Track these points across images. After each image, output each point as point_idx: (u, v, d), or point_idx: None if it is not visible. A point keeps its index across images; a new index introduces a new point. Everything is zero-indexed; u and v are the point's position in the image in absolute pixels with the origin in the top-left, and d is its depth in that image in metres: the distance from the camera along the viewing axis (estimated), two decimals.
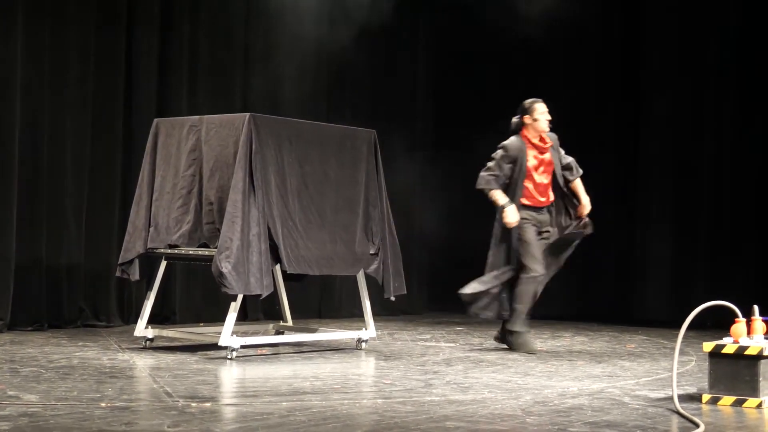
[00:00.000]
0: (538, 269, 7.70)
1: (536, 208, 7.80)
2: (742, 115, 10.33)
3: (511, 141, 7.82)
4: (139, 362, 6.67)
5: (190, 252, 7.20)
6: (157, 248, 7.33)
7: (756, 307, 5.65)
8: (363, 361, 7.19)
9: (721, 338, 5.66)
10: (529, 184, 7.74)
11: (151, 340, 7.46)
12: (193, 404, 5.07)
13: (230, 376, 6.33)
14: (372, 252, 7.70)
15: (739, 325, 5.56)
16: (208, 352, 7.19)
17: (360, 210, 7.67)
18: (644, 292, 10.71)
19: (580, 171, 8.03)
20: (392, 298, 7.87)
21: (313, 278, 8.77)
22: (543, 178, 7.82)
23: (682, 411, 5.15)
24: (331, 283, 10.39)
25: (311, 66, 10.53)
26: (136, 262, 7.38)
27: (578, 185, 8.00)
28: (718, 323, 8.08)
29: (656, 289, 10.65)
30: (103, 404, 4.99)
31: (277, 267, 7.37)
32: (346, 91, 10.91)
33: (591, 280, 10.91)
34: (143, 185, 7.47)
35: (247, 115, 7.05)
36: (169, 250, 7.30)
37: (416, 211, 11.32)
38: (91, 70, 8.90)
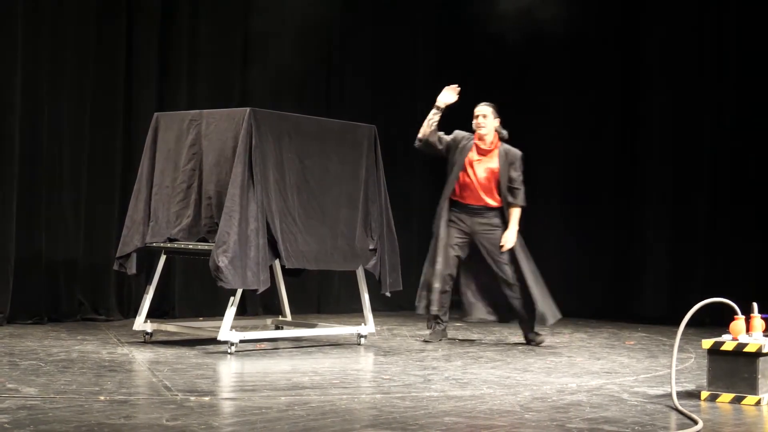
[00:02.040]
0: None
1: (462, 206, 7.95)
2: (741, 111, 10.33)
3: (464, 132, 8.04)
4: (138, 356, 6.67)
5: (189, 246, 7.19)
6: (156, 242, 7.32)
7: (755, 305, 5.65)
8: (362, 357, 7.19)
9: (720, 335, 5.67)
10: (459, 180, 7.94)
11: (150, 334, 7.46)
12: (192, 398, 5.08)
13: (229, 370, 6.33)
14: (371, 248, 7.70)
15: (738, 323, 5.56)
16: (207, 347, 7.20)
17: (360, 205, 7.67)
18: (643, 288, 10.72)
19: (521, 202, 7.97)
20: (388, 294, 7.87)
21: (313, 274, 8.78)
22: (474, 180, 7.90)
23: (680, 408, 5.15)
24: (331, 279, 10.39)
25: (310, 60, 10.52)
26: (134, 256, 7.37)
27: (513, 214, 7.96)
28: (717, 320, 8.09)
29: (655, 286, 10.66)
30: (102, 398, 4.99)
31: (277, 262, 7.37)
32: (346, 87, 10.91)
33: (590, 276, 10.91)
34: (142, 179, 7.46)
35: (247, 109, 7.04)
36: (168, 245, 7.30)
37: (415, 207, 11.31)
38: (91, 64, 8.90)
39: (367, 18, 11.08)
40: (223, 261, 6.74)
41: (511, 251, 7.91)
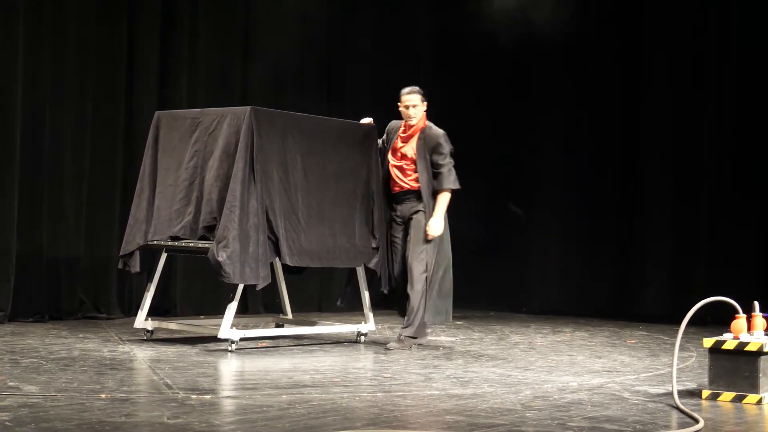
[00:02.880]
0: None
1: (392, 196, 7.70)
2: (743, 111, 10.31)
3: (396, 122, 7.81)
4: (139, 354, 6.68)
5: (191, 244, 7.20)
6: (158, 240, 7.33)
7: (756, 303, 5.65)
8: (363, 355, 7.19)
9: (721, 334, 5.67)
10: (387, 171, 7.69)
11: (152, 332, 7.46)
12: (193, 396, 5.08)
13: (230, 368, 6.33)
14: (374, 246, 7.69)
15: (740, 321, 5.56)
16: (209, 345, 7.20)
17: (360, 204, 7.66)
18: (644, 287, 10.71)
19: (445, 186, 7.50)
20: (386, 291, 7.85)
21: (313, 271, 8.77)
22: (395, 164, 7.65)
23: (681, 407, 5.15)
24: (332, 277, 10.39)
25: (310, 59, 10.52)
26: (137, 254, 7.38)
27: (439, 200, 7.51)
28: (718, 319, 8.08)
29: (656, 285, 10.66)
30: (103, 396, 5.00)
31: (277, 260, 7.36)
32: (346, 86, 10.90)
33: (591, 275, 10.91)
34: (144, 178, 7.47)
35: (249, 108, 7.05)
36: (170, 242, 7.30)
37: None
38: (92, 62, 8.91)
39: (367, 17, 11.08)
40: (222, 256, 6.75)
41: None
